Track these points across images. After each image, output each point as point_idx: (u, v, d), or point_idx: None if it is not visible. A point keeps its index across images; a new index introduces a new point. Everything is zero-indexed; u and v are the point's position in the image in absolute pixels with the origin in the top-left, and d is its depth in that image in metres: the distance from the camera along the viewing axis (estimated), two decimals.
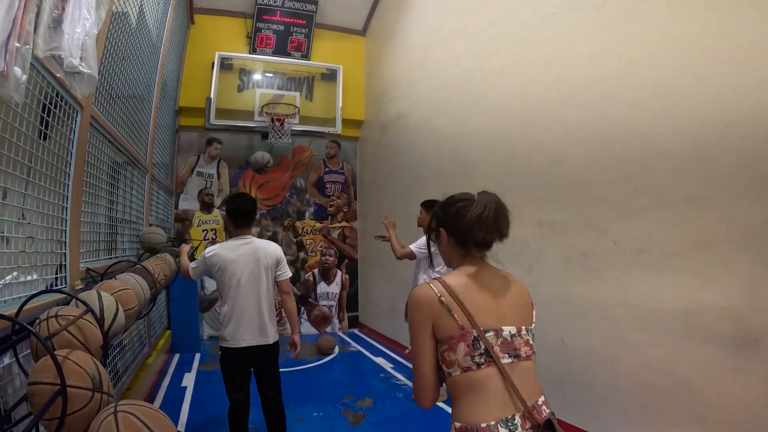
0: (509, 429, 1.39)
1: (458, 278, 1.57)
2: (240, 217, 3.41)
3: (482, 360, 1.44)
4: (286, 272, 3.54)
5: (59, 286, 2.57)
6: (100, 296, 1.95)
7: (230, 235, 3.50)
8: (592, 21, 3.59)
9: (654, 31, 3.08)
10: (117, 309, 1.95)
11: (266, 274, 3.39)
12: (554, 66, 3.96)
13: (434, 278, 1.58)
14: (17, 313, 1.85)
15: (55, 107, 2.48)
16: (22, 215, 2.20)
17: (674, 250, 2.90)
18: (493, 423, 1.39)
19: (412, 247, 4.73)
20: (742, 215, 2.55)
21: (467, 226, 1.57)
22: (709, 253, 2.71)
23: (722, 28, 2.66)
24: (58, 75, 2.29)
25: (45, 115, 2.37)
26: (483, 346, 1.45)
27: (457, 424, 1.44)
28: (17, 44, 1.72)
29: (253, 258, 3.35)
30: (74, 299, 1.83)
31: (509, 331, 1.51)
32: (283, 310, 3.74)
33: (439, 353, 1.51)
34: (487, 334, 1.47)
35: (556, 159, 3.87)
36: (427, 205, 4.72)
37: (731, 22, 2.62)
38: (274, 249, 3.48)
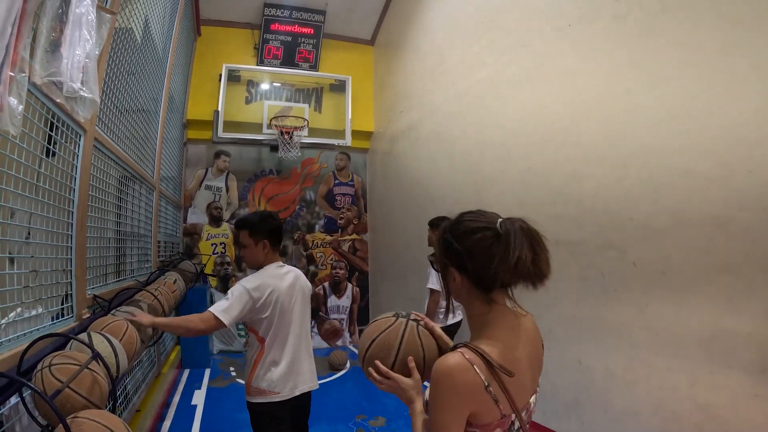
0: None
1: (497, 348, 1.27)
2: (277, 238, 2.94)
3: None
4: None
5: (66, 317, 2.50)
6: (91, 339, 1.84)
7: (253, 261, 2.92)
8: (612, 33, 3.49)
9: (677, 46, 2.98)
10: (116, 353, 1.84)
11: (309, 308, 3.01)
12: (571, 79, 3.87)
13: (472, 348, 1.25)
14: (22, 356, 1.78)
15: (61, 125, 2.40)
16: (27, 235, 2.13)
17: (697, 272, 2.81)
18: None
19: (430, 286, 4.42)
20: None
21: (490, 267, 1.26)
22: (733, 277, 2.62)
23: (749, 44, 2.56)
24: (58, 100, 2.20)
25: (51, 132, 2.30)
26: (517, 426, 1.30)
27: None
28: (11, 73, 1.61)
29: (298, 288, 2.90)
30: (76, 341, 1.73)
31: (533, 401, 1.38)
32: None
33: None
34: (523, 414, 1.32)
35: (574, 176, 3.78)
36: (434, 223, 4.44)
37: (758, 37, 2.51)
38: (306, 279, 3.08)
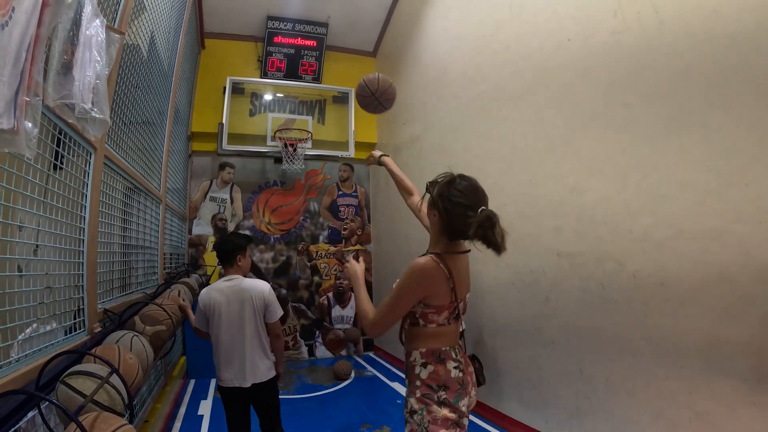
0: (455, 353, 1.99)
1: (451, 258, 1.96)
2: (221, 257, 3.47)
3: (451, 320, 2.02)
4: (275, 313, 3.39)
5: (78, 331, 2.56)
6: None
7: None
8: (610, 48, 3.53)
9: (674, 61, 3.02)
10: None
11: (254, 315, 3.30)
12: (571, 93, 3.91)
13: (434, 254, 1.95)
14: (40, 373, 1.84)
15: (72, 144, 2.47)
16: (35, 251, 2.19)
17: (694, 284, 2.85)
18: (448, 348, 1.98)
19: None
20: (763, 249, 2.49)
21: (466, 225, 1.83)
22: (730, 288, 2.65)
23: (745, 58, 2.61)
24: (70, 121, 2.26)
25: (58, 148, 2.35)
26: (456, 312, 2.02)
27: (423, 349, 1.98)
28: (26, 98, 1.65)
29: (238, 299, 3.28)
30: (94, 357, 1.80)
31: (466, 299, 2.11)
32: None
33: (421, 312, 1.99)
34: (460, 304, 2.03)
35: (574, 189, 3.83)
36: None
37: (753, 52, 2.56)
38: (261, 289, 3.36)
